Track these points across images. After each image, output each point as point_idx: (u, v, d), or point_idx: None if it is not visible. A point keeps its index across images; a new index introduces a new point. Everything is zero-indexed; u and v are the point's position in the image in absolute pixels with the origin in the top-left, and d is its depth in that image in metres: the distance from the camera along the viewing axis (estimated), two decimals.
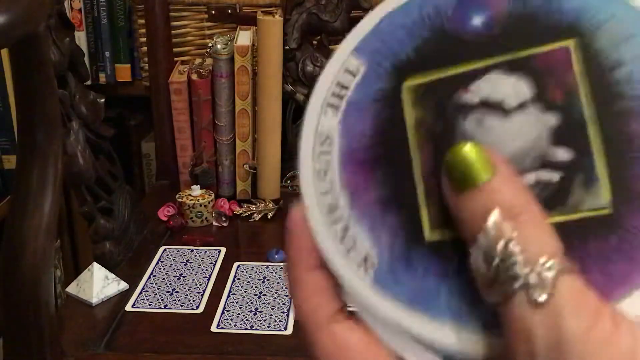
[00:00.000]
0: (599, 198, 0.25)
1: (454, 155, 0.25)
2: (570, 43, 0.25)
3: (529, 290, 0.22)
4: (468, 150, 0.25)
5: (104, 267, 0.98)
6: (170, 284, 1.00)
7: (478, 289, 0.24)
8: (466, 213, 0.24)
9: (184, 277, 1.02)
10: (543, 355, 0.22)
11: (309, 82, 1.22)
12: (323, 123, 0.28)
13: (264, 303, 0.95)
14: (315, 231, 0.27)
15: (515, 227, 0.23)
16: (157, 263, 1.05)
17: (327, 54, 1.23)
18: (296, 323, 0.91)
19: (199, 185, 1.20)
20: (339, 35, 1.24)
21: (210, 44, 1.19)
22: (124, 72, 1.41)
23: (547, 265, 0.23)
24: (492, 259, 0.23)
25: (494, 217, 0.24)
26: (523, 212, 0.24)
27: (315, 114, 0.28)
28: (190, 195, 1.17)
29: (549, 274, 0.23)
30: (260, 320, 0.91)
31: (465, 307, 0.25)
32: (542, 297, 0.22)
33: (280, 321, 0.91)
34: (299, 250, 0.27)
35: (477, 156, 0.24)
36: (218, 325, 0.91)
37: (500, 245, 0.23)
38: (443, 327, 0.25)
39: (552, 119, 0.25)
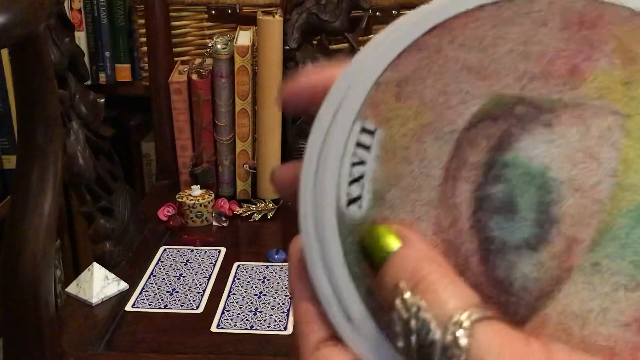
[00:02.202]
0: None
1: (364, 239, 0.25)
2: None
3: (448, 352, 0.22)
4: (375, 229, 0.25)
5: (104, 267, 0.98)
6: (170, 284, 1.00)
7: None
8: (380, 291, 0.25)
9: (184, 277, 1.02)
10: None
11: None
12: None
13: (264, 303, 0.95)
14: (310, 264, 0.27)
15: (422, 293, 0.23)
16: (157, 263, 1.05)
17: (327, 54, 1.23)
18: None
19: (199, 185, 1.20)
20: (339, 35, 1.24)
21: (210, 44, 1.19)
22: (124, 72, 1.41)
23: (460, 319, 0.22)
24: (409, 332, 0.23)
25: (400, 290, 0.23)
26: (427, 274, 0.23)
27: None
28: (190, 195, 1.17)
29: (462, 328, 0.22)
30: (260, 320, 0.91)
31: None
32: (461, 356, 0.22)
33: (280, 321, 0.91)
34: (295, 280, 0.28)
35: (383, 232, 0.25)
36: (218, 325, 0.91)
37: (411, 314, 0.23)
38: None
39: None
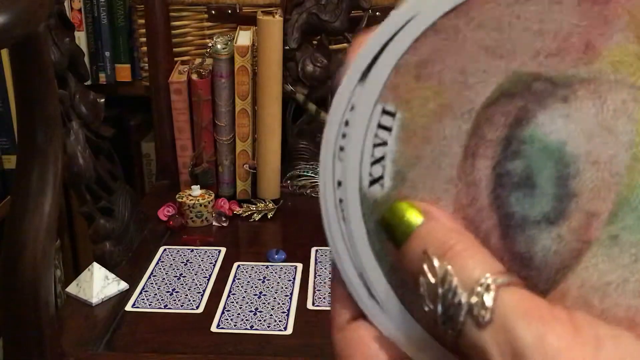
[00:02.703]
0: None
1: (385, 215, 0.26)
2: None
3: (473, 312, 0.23)
4: (398, 205, 0.26)
5: (104, 267, 0.98)
6: (170, 284, 1.00)
7: (432, 331, 0.25)
8: (406, 263, 0.25)
9: (184, 277, 1.02)
10: None
11: (309, 82, 1.22)
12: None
13: (264, 303, 0.95)
14: (332, 245, 0.28)
15: (449, 260, 0.24)
16: (157, 263, 1.05)
17: (327, 54, 1.23)
18: (296, 323, 0.91)
19: (199, 185, 1.20)
20: (339, 35, 1.24)
21: (210, 44, 1.19)
22: (124, 72, 1.41)
23: (486, 283, 0.23)
24: (436, 296, 0.24)
25: (428, 257, 0.24)
26: (454, 244, 0.24)
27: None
28: (190, 195, 1.18)
29: (488, 290, 0.23)
30: (260, 320, 0.91)
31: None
32: (486, 315, 0.22)
33: (280, 321, 0.91)
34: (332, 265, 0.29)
35: (406, 208, 0.26)
36: (218, 325, 0.91)
37: (438, 280, 0.24)
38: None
39: None
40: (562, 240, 0.25)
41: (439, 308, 0.24)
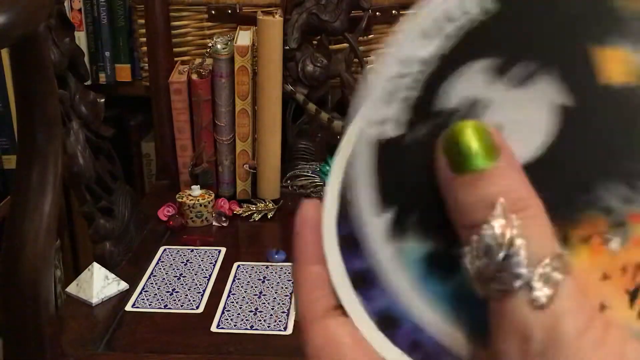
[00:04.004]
0: None
1: (455, 134, 0.23)
2: None
3: (532, 290, 0.22)
4: (471, 129, 0.23)
5: (104, 267, 0.98)
6: (170, 284, 1.00)
7: (470, 279, 0.23)
8: (468, 199, 0.23)
9: (184, 277, 1.02)
10: (538, 356, 0.22)
11: (309, 82, 1.22)
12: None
13: (264, 303, 0.95)
14: (325, 229, 0.27)
15: (521, 223, 0.22)
16: (157, 263, 1.05)
17: (327, 54, 1.23)
18: (297, 323, 0.91)
19: (199, 185, 1.20)
20: (339, 35, 1.24)
21: (210, 44, 1.19)
22: (124, 72, 1.41)
23: (552, 266, 0.22)
24: (496, 253, 0.22)
25: (500, 208, 0.22)
26: (528, 205, 0.23)
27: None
28: (190, 195, 1.17)
29: (553, 276, 0.22)
30: (260, 320, 0.91)
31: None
32: (545, 299, 0.22)
33: (280, 321, 0.91)
34: (304, 243, 0.27)
35: (481, 136, 0.23)
36: (218, 325, 0.91)
37: (506, 240, 0.22)
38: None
39: None
40: None
41: (492, 266, 0.22)
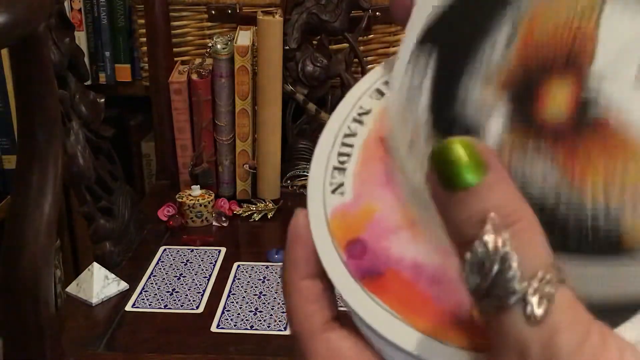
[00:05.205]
0: None
1: (442, 151, 0.23)
2: None
3: (527, 305, 0.22)
4: (459, 144, 0.23)
5: (104, 267, 0.98)
6: (170, 284, 1.00)
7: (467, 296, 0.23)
8: (459, 216, 0.23)
9: (184, 277, 1.02)
10: None
11: (309, 82, 1.22)
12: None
13: (264, 303, 0.95)
14: (315, 237, 0.27)
15: (512, 237, 0.22)
16: (157, 263, 1.05)
17: (327, 54, 1.23)
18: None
19: (199, 185, 1.20)
20: (339, 35, 1.24)
21: (210, 44, 1.19)
22: (124, 72, 1.41)
23: (545, 279, 0.22)
24: (489, 270, 0.22)
25: (490, 224, 0.22)
26: (519, 218, 0.22)
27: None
28: (190, 195, 1.17)
29: (547, 289, 0.22)
30: (260, 320, 0.91)
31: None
32: (540, 313, 0.22)
33: (280, 321, 0.91)
34: (298, 256, 0.27)
35: (470, 152, 0.23)
36: (218, 325, 0.91)
37: (498, 256, 0.22)
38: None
39: None
40: None
41: (486, 283, 0.22)
